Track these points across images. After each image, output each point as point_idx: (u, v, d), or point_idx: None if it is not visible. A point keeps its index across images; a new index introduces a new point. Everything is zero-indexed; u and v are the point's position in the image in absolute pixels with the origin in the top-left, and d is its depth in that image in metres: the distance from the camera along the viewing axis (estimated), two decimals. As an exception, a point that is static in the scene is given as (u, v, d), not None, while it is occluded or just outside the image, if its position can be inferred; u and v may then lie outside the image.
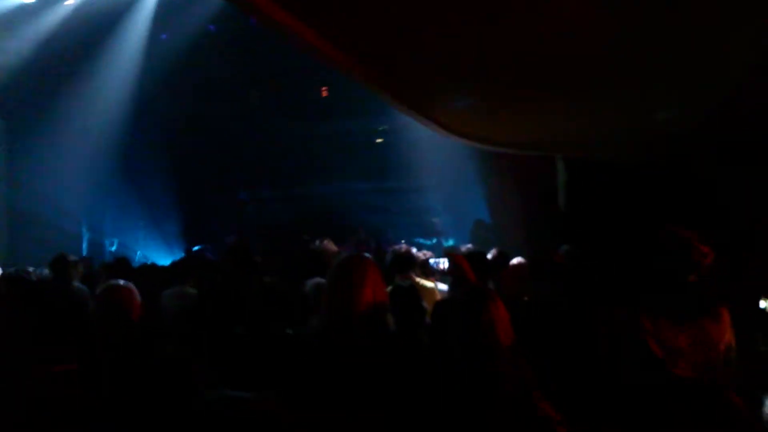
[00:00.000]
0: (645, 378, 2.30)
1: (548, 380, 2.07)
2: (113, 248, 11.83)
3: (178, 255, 10.11)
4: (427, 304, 3.95)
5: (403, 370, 2.49)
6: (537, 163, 8.25)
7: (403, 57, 4.08)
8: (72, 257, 5.93)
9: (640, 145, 6.01)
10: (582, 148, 6.87)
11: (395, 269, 4.34)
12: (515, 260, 4.53)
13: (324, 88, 13.89)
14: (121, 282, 2.69)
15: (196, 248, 10.71)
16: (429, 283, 4.54)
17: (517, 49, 4.10)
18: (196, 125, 12.76)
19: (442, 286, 4.67)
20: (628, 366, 2.35)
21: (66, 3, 10.97)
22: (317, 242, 6.36)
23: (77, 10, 10.92)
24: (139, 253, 11.68)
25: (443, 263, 5.01)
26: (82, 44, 11.28)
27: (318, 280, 3.62)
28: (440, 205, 12.42)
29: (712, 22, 3.63)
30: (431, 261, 5.13)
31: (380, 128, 13.72)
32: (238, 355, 3.47)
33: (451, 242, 11.44)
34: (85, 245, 11.11)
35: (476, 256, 4.35)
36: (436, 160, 11.99)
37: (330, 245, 7.08)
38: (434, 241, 10.78)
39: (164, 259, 10.52)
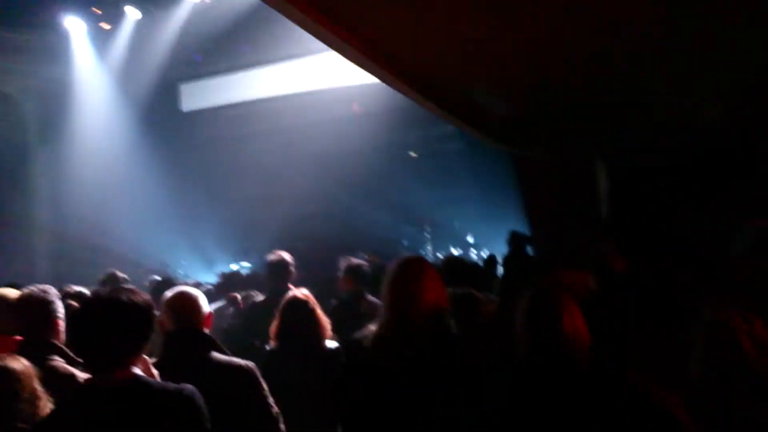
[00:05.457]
0: (732, 374, 2.26)
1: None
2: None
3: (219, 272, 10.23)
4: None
5: (467, 369, 2.49)
6: (574, 170, 8.20)
7: (438, 60, 4.03)
8: (121, 275, 6.08)
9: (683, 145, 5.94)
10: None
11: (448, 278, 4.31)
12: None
13: (354, 104, 13.98)
14: (192, 290, 2.74)
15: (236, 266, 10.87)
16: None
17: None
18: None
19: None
20: (715, 363, 2.30)
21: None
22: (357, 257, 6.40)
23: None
24: (181, 272, 11.86)
25: None
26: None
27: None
28: (477, 216, 12.41)
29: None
30: None
31: (413, 141, 13.78)
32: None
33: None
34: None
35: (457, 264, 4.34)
36: (471, 172, 12.03)
37: (374, 258, 7.13)
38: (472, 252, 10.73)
39: (206, 277, 10.69)
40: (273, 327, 3.49)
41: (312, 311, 3.46)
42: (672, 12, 3.47)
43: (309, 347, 3.40)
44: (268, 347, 3.53)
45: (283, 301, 3.55)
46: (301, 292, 3.57)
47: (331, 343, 3.49)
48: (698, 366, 2.35)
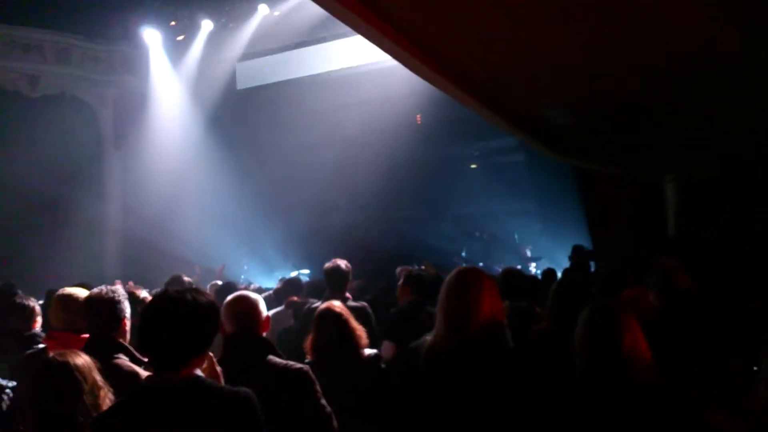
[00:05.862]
0: None
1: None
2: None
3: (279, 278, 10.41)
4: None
5: (524, 383, 2.46)
6: (641, 184, 8.00)
7: (509, 75, 4.07)
8: (187, 278, 6.24)
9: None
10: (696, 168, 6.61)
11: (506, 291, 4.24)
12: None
13: (418, 116, 14.00)
14: (251, 294, 2.80)
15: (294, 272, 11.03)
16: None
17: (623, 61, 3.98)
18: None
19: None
20: None
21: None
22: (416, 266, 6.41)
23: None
24: (242, 276, 12.14)
25: None
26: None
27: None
28: (537, 229, 12.22)
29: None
30: None
31: (474, 153, 13.70)
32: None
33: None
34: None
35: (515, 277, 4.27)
36: (531, 185, 11.87)
37: (430, 268, 7.12)
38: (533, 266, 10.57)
39: (267, 283, 10.89)
40: (308, 341, 3.47)
41: (344, 322, 3.40)
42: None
43: (344, 358, 3.38)
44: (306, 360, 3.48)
45: (314, 315, 3.51)
46: (332, 304, 3.51)
47: (368, 351, 3.46)
48: (765, 393, 2.24)
